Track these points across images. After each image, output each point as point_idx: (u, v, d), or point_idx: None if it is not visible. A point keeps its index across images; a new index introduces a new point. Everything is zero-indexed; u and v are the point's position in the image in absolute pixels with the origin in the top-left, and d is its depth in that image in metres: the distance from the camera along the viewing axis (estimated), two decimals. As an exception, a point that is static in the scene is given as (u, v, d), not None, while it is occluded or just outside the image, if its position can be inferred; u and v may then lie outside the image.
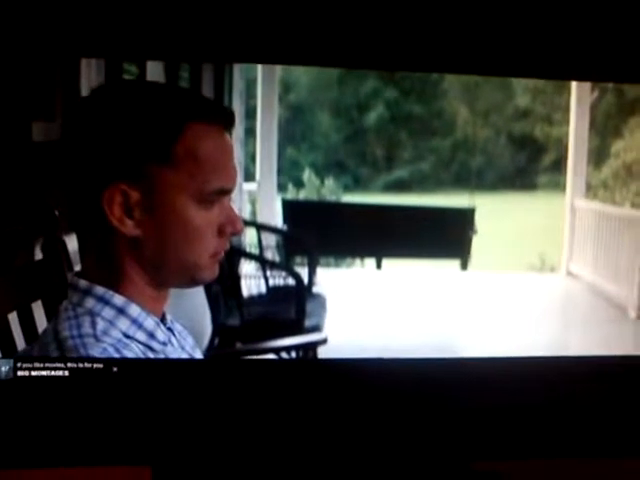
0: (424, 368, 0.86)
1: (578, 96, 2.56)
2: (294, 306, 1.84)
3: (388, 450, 0.86)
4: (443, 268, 2.63)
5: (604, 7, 0.83)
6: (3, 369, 0.80)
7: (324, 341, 1.64)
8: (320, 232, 2.40)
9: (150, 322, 0.71)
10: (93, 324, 0.68)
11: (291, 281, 1.97)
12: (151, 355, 0.72)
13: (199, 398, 0.82)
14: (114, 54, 0.85)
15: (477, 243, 2.59)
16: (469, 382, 0.86)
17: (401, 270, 2.60)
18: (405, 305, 2.21)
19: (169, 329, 0.75)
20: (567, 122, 2.59)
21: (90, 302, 0.69)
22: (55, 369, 0.78)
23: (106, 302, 0.69)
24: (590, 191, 2.60)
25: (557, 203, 2.65)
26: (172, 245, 0.69)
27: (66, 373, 0.78)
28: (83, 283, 0.70)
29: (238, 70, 2.08)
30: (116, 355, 0.68)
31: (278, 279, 2.09)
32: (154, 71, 1.15)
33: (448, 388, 0.86)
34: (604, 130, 2.56)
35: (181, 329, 0.80)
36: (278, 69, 2.52)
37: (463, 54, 0.84)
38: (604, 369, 0.89)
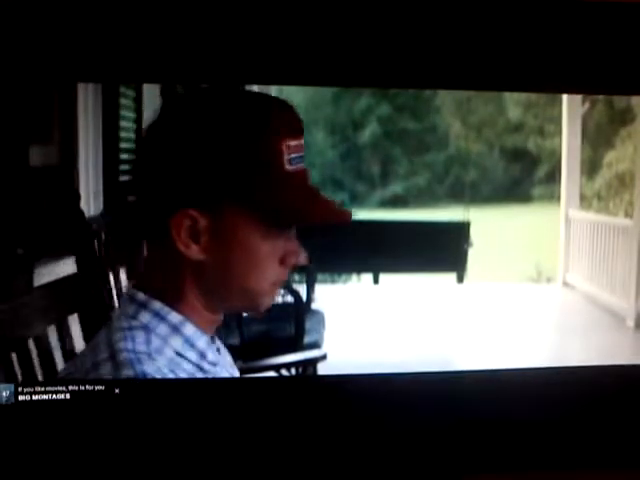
0: (422, 381, 0.86)
1: (569, 108, 2.58)
2: (293, 323, 1.84)
3: (386, 463, 0.86)
4: (440, 282, 2.63)
5: (594, 21, 0.85)
6: (4, 394, 0.79)
7: (323, 357, 1.65)
8: (317, 249, 2.40)
9: (202, 342, 0.71)
10: (148, 341, 0.68)
11: (290, 299, 1.97)
12: (200, 375, 0.71)
13: (202, 416, 0.83)
14: (110, 78, 0.87)
15: (473, 256, 2.60)
16: (467, 394, 0.87)
17: (398, 284, 2.61)
18: (403, 319, 2.21)
19: (217, 349, 0.76)
20: (559, 134, 2.61)
21: (146, 317, 0.69)
22: (56, 392, 0.78)
23: (162, 318, 0.69)
24: (584, 201, 2.62)
25: (552, 214, 2.66)
26: (235, 272, 0.69)
27: (67, 396, 0.78)
28: (141, 296, 0.70)
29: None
30: (170, 375, 0.68)
31: (277, 297, 2.09)
32: (150, 95, 1.16)
33: (445, 401, 0.87)
34: (596, 141, 2.58)
35: (221, 346, 0.79)
36: (273, 90, 2.53)
37: (455, 70, 0.85)
38: (603, 379, 0.90)
